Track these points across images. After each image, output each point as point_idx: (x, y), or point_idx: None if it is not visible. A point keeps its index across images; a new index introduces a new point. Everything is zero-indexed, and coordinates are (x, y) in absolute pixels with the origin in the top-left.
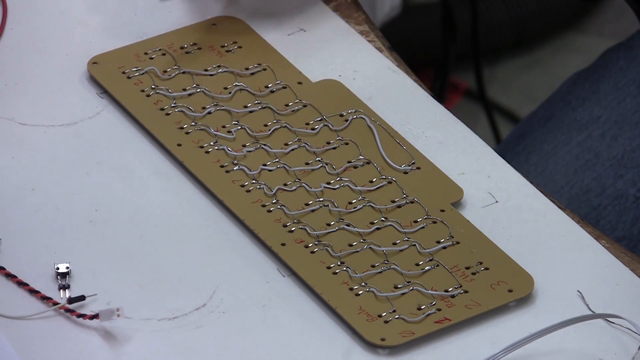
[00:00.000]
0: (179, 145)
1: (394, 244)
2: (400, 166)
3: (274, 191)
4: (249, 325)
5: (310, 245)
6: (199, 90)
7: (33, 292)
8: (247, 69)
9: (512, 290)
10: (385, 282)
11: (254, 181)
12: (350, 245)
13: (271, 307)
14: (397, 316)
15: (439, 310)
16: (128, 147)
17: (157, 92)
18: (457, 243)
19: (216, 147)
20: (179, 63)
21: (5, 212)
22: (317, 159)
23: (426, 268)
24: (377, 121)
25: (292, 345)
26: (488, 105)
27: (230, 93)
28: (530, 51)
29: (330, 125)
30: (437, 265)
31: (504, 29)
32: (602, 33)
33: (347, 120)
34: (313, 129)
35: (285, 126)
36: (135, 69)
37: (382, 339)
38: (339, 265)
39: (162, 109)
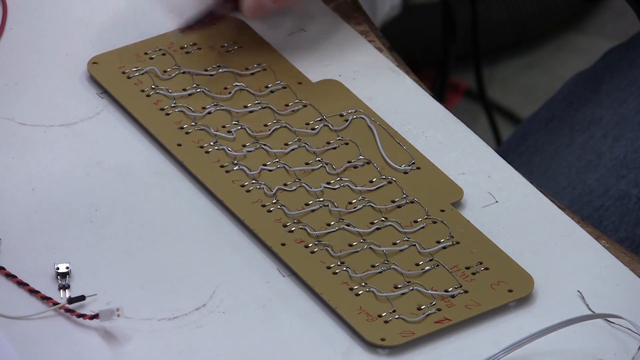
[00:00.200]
0: (179, 145)
1: (394, 244)
2: (400, 166)
3: (274, 191)
4: (249, 325)
5: (310, 245)
6: (199, 90)
7: (33, 292)
8: (247, 69)
9: (512, 290)
10: (385, 282)
11: (254, 181)
12: (350, 245)
13: (271, 307)
14: (397, 316)
15: (439, 310)
16: (128, 147)
17: (157, 92)
18: (457, 243)
19: (216, 147)
20: (179, 63)
21: (5, 212)
22: (317, 159)
23: (426, 268)
24: (377, 121)
25: (292, 345)
26: (488, 105)
27: (230, 93)
28: (530, 51)
29: (330, 125)
30: (437, 265)
31: (504, 29)
32: (602, 33)
33: (347, 120)
34: (313, 129)
35: (285, 126)
36: (135, 69)
37: (382, 339)
38: (339, 265)
39: (162, 109)
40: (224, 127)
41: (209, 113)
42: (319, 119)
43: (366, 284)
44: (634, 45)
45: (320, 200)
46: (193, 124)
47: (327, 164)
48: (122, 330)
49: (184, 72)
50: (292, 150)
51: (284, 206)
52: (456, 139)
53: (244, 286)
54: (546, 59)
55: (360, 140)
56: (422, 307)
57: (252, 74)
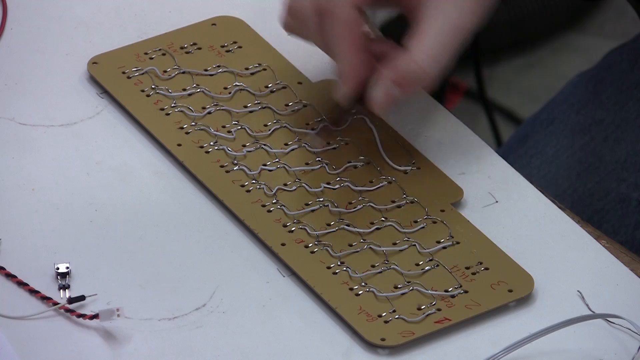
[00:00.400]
0: (179, 145)
1: (394, 244)
2: (400, 166)
3: (274, 191)
4: (249, 325)
5: (310, 245)
6: (199, 90)
7: (33, 292)
8: (247, 69)
9: (512, 290)
10: (385, 282)
11: (254, 181)
12: (350, 245)
13: (271, 307)
14: (397, 316)
15: (439, 310)
16: (128, 147)
17: (157, 92)
18: (457, 243)
19: (216, 147)
20: (179, 63)
21: (5, 212)
22: (317, 159)
23: (426, 268)
24: (377, 121)
25: (292, 346)
26: (488, 105)
27: (230, 93)
28: (530, 51)
29: (330, 126)
30: (437, 265)
31: (504, 29)
32: (602, 33)
33: (347, 121)
34: (313, 129)
35: (285, 126)
36: (135, 69)
37: (382, 339)
38: (339, 265)
39: (162, 109)
40: (224, 127)
41: (209, 113)
42: (319, 119)
43: (366, 284)
44: (635, 47)
45: (320, 200)
46: (193, 124)
47: (327, 164)
48: (122, 330)
49: (184, 72)
50: (292, 150)
51: (284, 206)
52: (456, 139)
53: (244, 286)
54: (546, 59)
55: (360, 140)
56: (422, 307)
57: (252, 74)
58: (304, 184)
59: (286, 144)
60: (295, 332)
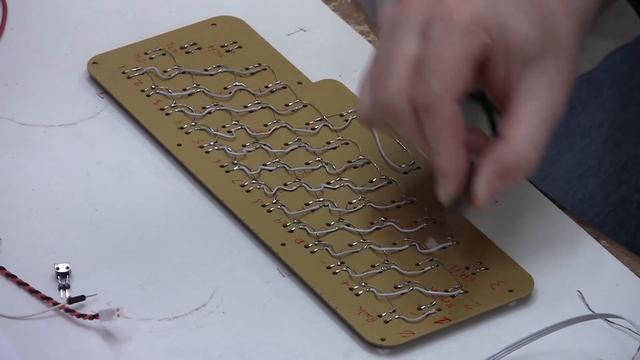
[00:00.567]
0: (179, 145)
1: (394, 244)
2: (400, 166)
3: (274, 191)
4: (249, 325)
5: (310, 245)
6: (199, 90)
7: (33, 292)
8: (247, 69)
9: (512, 290)
10: (385, 282)
11: (254, 181)
12: (350, 245)
13: (271, 307)
14: (397, 316)
15: (439, 310)
16: (128, 147)
17: (157, 92)
18: (457, 243)
19: (216, 147)
20: (179, 63)
21: (5, 212)
22: (317, 159)
23: (426, 268)
24: None
25: (292, 345)
26: (488, 105)
27: (230, 93)
28: None
29: (330, 125)
30: (437, 265)
31: None
32: (602, 33)
33: (347, 120)
34: (313, 129)
35: (285, 126)
36: (135, 69)
37: (382, 339)
38: (339, 265)
39: (162, 109)
40: (224, 127)
41: (209, 113)
42: (319, 119)
43: (366, 284)
44: (636, 49)
45: (320, 200)
46: (193, 124)
47: (327, 164)
48: (122, 330)
49: (184, 72)
50: (292, 150)
51: (284, 206)
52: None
53: (244, 286)
54: None
55: (360, 140)
56: (422, 307)
57: (252, 74)
58: (304, 184)
59: (286, 144)
60: (295, 332)
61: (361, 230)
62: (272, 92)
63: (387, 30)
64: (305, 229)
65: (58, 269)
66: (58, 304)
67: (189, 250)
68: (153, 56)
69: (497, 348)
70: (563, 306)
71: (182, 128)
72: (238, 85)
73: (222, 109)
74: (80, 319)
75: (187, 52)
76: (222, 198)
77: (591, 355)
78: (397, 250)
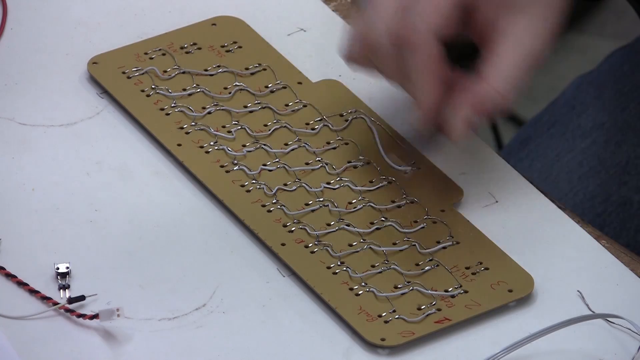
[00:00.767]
0: (179, 145)
1: (394, 244)
2: (400, 166)
3: (274, 191)
4: (249, 325)
5: (310, 245)
6: (199, 90)
7: (33, 292)
8: (247, 69)
9: (512, 290)
10: (385, 282)
11: (254, 181)
12: (350, 245)
13: (271, 307)
14: (397, 316)
15: (439, 310)
16: (128, 147)
17: (157, 92)
18: (457, 243)
19: (216, 147)
20: (179, 63)
21: (5, 212)
22: (317, 159)
23: (426, 268)
24: (377, 121)
25: (292, 345)
26: None
27: (230, 93)
28: None
29: (330, 125)
30: (437, 265)
31: None
32: (602, 33)
33: (347, 120)
34: (313, 129)
35: (285, 126)
36: (135, 69)
37: (382, 339)
38: (339, 265)
39: (162, 109)
40: (224, 127)
41: (209, 113)
42: (319, 119)
43: (366, 284)
44: (637, 49)
45: (320, 200)
46: (193, 124)
47: (327, 164)
48: (122, 330)
49: (184, 72)
50: (292, 150)
51: (284, 206)
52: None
53: (244, 286)
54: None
55: (360, 140)
56: (422, 307)
57: (252, 74)
58: (304, 184)
59: (286, 144)
60: (295, 332)
61: (361, 230)
62: (272, 92)
63: None
64: (305, 229)
65: (58, 269)
66: (58, 304)
67: (189, 250)
68: (153, 56)
69: (497, 348)
70: (563, 306)
71: (182, 128)
72: (238, 85)
73: (222, 109)
74: (80, 319)
75: (187, 52)
76: (222, 198)
77: (591, 355)
78: (397, 250)
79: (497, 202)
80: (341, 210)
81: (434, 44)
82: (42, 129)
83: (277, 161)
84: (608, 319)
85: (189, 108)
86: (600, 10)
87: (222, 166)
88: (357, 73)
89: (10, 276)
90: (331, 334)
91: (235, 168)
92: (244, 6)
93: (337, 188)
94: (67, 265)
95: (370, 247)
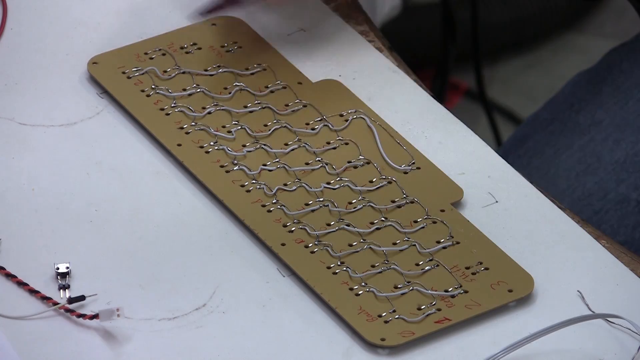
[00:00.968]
0: (179, 145)
1: (394, 244)
2: (400, 166)
3: (274, 191)
4: (249, 325)
5: (310, 245)
6: (199, 90)
7: (33, 292)
8: (247, 69)
9: (512, 290)
10: (385, 282)
11: (254, 181)
12: (350, 245)
13: (271, 307)
14: (397, 316)
15: (439, 310)
16: (128, 147)
17: (157, 92)
18: (457, 243)
19: (216, 147)
20: (179, 63)
21: (5, 212)
22: (317, 159)
23: (426, 268)
24: (377, 121)
25: (292, 345)
26: (488, 105)
27: (230, 93)
28: (530, 51)
29: (330, 125)
30: (437, 265)
31: (504, 29)
32: (602, 33)
33: (347, 120)
34: (313, 129)
35: (285, 126)
36: (135, 69)
37: (382, 339)
38: (339, 265)
39: (162, 109)
40: (224, 127)
41: (209, 113)
42: (319, 119)
43: (366, 284)
44: (635, 47)
45: (320, 200)
46: (193, 124)
47: (327, 164)
48: (122, 330)
49: (184, 72)
50: (292, 150)
51: (284, 206)
52: (456, 139)
53: (244, 286)
54: (546, 59)
55: (360, 140)
56: (422, 307)
57: (252, 74)
58: (304, 184)
59: (286, 144)
60: (295, 332)
61: (361, 230)
62: (272, 92)
63: None
64: (305, 229)
65: (58, 269)
66: (58, 304)
67: (189, 250)
68: (153, 56)
69: (497, 348)
70: (563, 306)
71: (182, 128)
72: (238, 85)
73: (222, 109)
74: (80, 319)
75: (187, 52)
76: (222, 198)
77: (591, 355)
78: (397, 250)
79: (497, 202)
80: (341, 210)
81: None
82: (42, 129)
83: (277, 161)
84: (608, 319)
85: (189, 108)
86: (600, 10)
87: (222, 166)
88: (358, 74)
89: (10, 276)
90: (331, 334)
91: (235, 168)
92: (244, 6)
93: (337, 188)
94: (67, 265)
95: (370, 247)
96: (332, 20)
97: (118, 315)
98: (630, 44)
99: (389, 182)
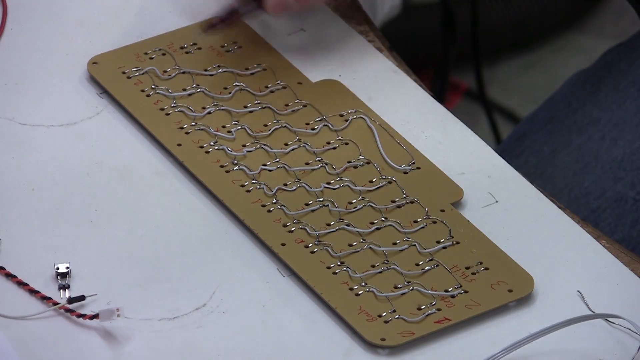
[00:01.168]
0: (179, 145)
1: (394, 244)
2: (400, 166)
3: (274, 191)
4: (249, 325)
5: (310, 245)
6: (199, 90)
7: (33, 292)
8: (247, 69)
9: (512, 290)
10: (385, 282)
11: (254, 181)
12: (350, 245)
13: (271, 307)
14: (397, 316)
15: (439, 310)
16: (128, 147)
17: (157, 92)
18: (457, 243)
19: (216, 147)
20: (179, 63)
21: (5, 212)
22: (317, 159)
23: (426, 268)
24: (377, 121)
25: (292, 345)
26: (488, 105)
27: (230, 93)
28: (530, 51)
29: (330, 125)
30: (437, 265)
31: (504, 29)
32: (602, 33)
33: (347, 120)
34: (313, 129)
35: (285, 126)
36: (135, 69)
37: (382, 339)
38: (339, 265)
39: (162, 109)
40: (224, 127)
41: (209, 113)
42: (319, 119)
43: (366, 284)
44: (633, 46)
45: (320, 200)
46: (193, 124)
47: (327, 164)
48: (122, 330)
49: (184, 72)
50: (292, 150)
51: (284, 206)
52: (456, 139)
53: (244, 286)
54: (546, 59)
55: (360, 140)
56: (422, 307)
57: (252, 74)
58: (304, 184)
59: (286, 144)
60: (295, 332)
61: (361, 230)
62: (272, 92)
63: None
64: (305, 229)
65: (58, 269)
66: (58, 304)
67: (189, 250)
68: (153, 56)
69: (497, 348)
70: (563, 306)
71: (182, 128)
72: (238, 85)
73: (222, 109)
74: (80, 319)
75: (187, 52)
76: (222, 198)
77: (591, 355)
78: (397, 250)
79: (497, 202)
80: (341, 210)
81: None
82: (42, 129)
83: (277, 161)
84: (608, 319)
85: (189, 108)
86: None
87: (222, 166)
88: (358, 74)
89: (10, 276)
90: (331, 334)
91: (235, 168)
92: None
93: (337, 188)
94: (67, 265)
95: (370, 247)
96: (332, 20)
97: (118, 315)
98: (627, 43)
99: (389, 182)
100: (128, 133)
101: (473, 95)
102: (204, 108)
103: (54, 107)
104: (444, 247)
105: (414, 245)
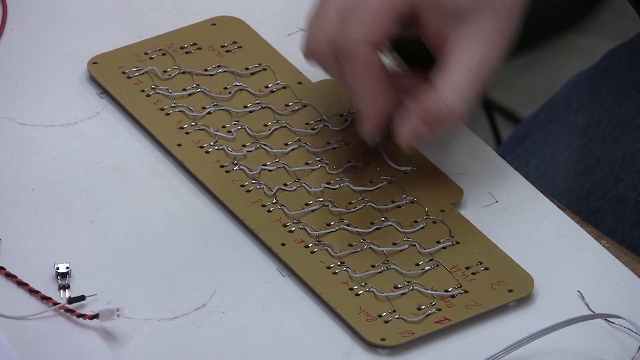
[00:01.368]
0: (179, 145)
1: (394, 244)
2: (400, 166)
3: (274, 191)
4: (249, 325)
5: (310, 245)
6: (199, 90)
7: (33, 292)
8: (247, 69)
9: (512, 290)
10: (385, 282)
11: (254, 181)
12: (350, 245)
13: (271, 307)
14: (397, 316)
15: (439, 310)
16: (128, 147)
17: (157, 92)
18: (457, 243)
19: (216, 147)
20: (179, 63)
21: (5, 212)
22: (317, 159)
23: (426, 268)
24: None
25: (292, 345)
26: (488, 105)
27: (230, 93)
28: (530, 51)
29: (330, 125)
30: (437, 265)
31: None
32: (602, 33)
33: (347, 120)
34: (313, 129)
35: (285, 126)
36: (135, 69)
37: (382, 339)
38: (339, 265)
39: (162, 109)
40: (224, 127)
41: (209, 113)
42: (319, 119)
43: (366, 284)
44: (634, 47)
45: (320, 200)
46: (193, 124)
47: (327, 164)
48: (122, 330)
49: (184, 72)
50: (292, 150)
51: (284, 206)
52: (456, 139)
53: (244, 286)
54: (546, 59)
55: (360, 140)
56: (422, 307)
57: (252, 74)
58: (304, 184)
59: (286, 144)
60: (295, 332)
61: (361, 230)
62: (272, 92)
63: None
64: (305, 229)
65: (58, 269)
66: (58, 304)
67: (189, 250)
68: (153, 56)
69: (497, 348)
70: (563, 306)
71: (182, 128)
72: (238, 85)
73: (222, 109)
74: (80, 319)
75: (187, 52)
76: (222, 198)
77: (591, 355)
78: (397, 250)
79: (497, 202)
80: (341, 210)
81: (371, 53)
82: (42, 129)
83: (277, 161)
84: (608, 319)
85: (189, 108)
86: (600, 10)
87: (222, 166)
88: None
89: (10, 276)
90: (331, 334)
91: (235, 168)
92: (244, 6)
93: (337, 188)
94: (67, 265)
95: (370, 247)
96: None
97: (118, 315)
98: (628, 44)
99: (389, 182)
100: (128, 133)
101: None
102: (204, 108)
103: (54, 107)
104: (444, 247)
105: (414, 245)
